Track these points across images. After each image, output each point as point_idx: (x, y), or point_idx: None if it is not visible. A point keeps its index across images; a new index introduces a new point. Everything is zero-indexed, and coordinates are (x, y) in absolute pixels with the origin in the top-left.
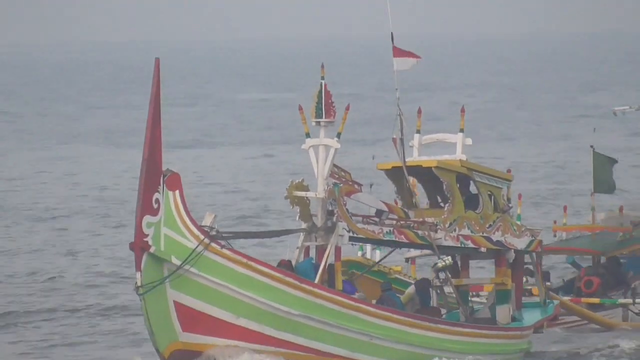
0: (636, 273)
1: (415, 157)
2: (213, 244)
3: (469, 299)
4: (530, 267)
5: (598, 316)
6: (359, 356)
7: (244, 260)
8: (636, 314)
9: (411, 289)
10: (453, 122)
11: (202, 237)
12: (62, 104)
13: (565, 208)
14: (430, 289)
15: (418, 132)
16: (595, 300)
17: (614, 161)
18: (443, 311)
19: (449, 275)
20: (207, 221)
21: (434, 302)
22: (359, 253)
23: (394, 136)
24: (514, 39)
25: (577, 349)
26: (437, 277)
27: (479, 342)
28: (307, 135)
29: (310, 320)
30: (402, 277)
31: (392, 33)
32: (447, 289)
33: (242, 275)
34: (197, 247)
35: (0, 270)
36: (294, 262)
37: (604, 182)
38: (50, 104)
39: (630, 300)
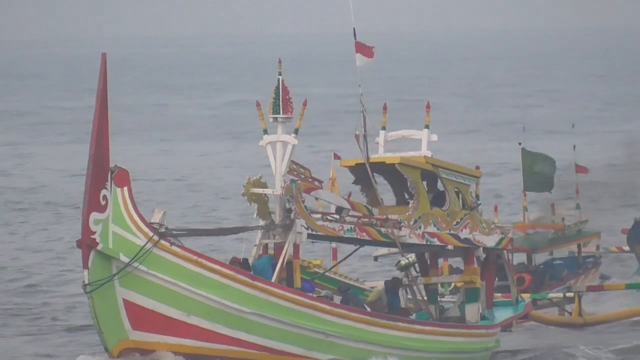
0: (571, 272)
1: (380, 154)
2: (162, 241)
3: (438, 298)
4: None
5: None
6: (314, 354)
7: (195, 257)
8: (570, 312)
9: (380, 287)
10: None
11: (151, 234)
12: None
13: (495, 207)
14: (400, 289)
15: (383, 128)
16: (527, 295)
17: (549, 159)
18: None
19: (414, 274)
20: (156, 218)
21: (404, 302)
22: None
23: (357, 132)
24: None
25: (544, 346)
26: (406, 275)
27: (440, 340)
28: (265, 132)
29: (264, 318)
30: (333, 275)
31: (354, 29)
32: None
33: (192, 273)
34: (145, 244)
35: None
36: (251, 260)
37: (535, 180)
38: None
39: (561, 295)
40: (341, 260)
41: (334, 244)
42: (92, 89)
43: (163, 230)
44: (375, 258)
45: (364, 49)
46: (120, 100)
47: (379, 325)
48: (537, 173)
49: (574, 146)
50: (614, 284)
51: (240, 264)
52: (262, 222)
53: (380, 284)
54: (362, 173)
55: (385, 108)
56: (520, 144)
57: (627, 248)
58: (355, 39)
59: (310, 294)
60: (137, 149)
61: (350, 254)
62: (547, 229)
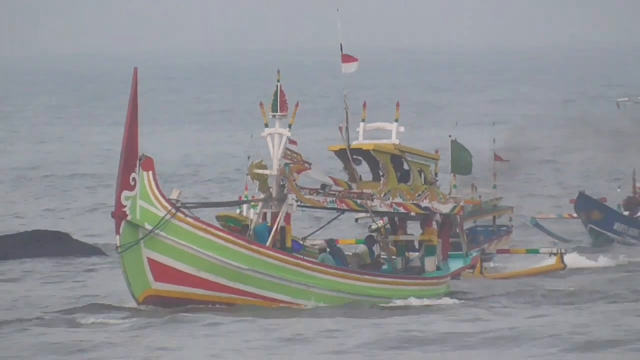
0: (486, 237)
1: (359, 141)
2: (179, 213)
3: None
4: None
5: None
6: (298, 301)
7: (204, 226)
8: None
9: (363, 247)
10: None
11: (169, 207)
12: None
13: None
14: (375, 245)
15: (363, 121)
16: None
17: (467, 150)
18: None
19: (384, 234)
20: (174, 195)
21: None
22: (237, 211)
23: (340, 125)
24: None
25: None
26: (379, 234)
27: (399, 289)
28: (266, 125)
29: (258, 273)
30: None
31: (341, 44)
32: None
33: (202, 238)
34: (165, 215)
35: None
36: (252, 226)
37: (459, 165)
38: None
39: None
40: (324, 225)
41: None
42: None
43: (179, 205)
44: (356, 220)
45: (349, 59)
46: None
47: (349, 278)
48: (461, 159)
49: (494, 140)
50: (518, 249)
51: (239, 230)
52: (262, 196)
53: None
54: (344, 156)
55: (364, 105)
56: (450, 136)
57: (575, 215)
58: (342, 52)
59: (297, 252)
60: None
61: (332, 220)
62: (467, 203)
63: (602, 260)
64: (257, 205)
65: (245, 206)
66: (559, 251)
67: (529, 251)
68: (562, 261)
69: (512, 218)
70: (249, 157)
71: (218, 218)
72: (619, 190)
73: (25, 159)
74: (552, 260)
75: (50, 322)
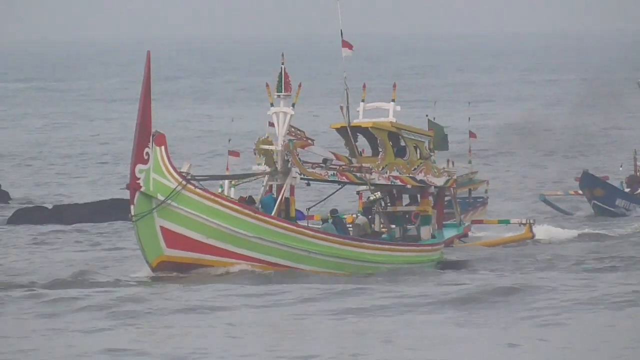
0: (463, 209)
1: (359, 120)
2: (189, 185)
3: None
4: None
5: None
6: (300, 266)
7: (212, 196)
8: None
9: (363, 217)
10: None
11: (180, 179)
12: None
13: None
14: (375, 215)
15: (363, 101)
16: None
17: (444, 130)
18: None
19: (382, 204)
20: (185, 168)
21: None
22: (219, 190)
23: (341, 105)
24: None
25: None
26: (378, 205)
27: (395, 255)
28: (272, 104)
29: (262, 240)
30: None
31: (341, 30)
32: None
33: (210, 208)
34: (176, 187)
35: None
36: (259, 197)
37: (437, 142)
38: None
39: None
40: (327, 197)
41: None
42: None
43: (189, 177)
44: (357, 192)
45: (348, 45)
46: None
47: (348, 245)
48: (438, 137)
49: (469, 118)
50: (491, 220)
51: (245, 201)
52: (268, 170)
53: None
54: (345, 133)
55: (364, 87)
56: (427, 115)
57: (580, 192)
58: (342, 39)
59: (300, 221)
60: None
61: (335, 192)
62: None
63: (569, 232)
64: (236, 185)
65: (226, 185)
66: (528, 221)
67: (500, 222)
68: (531, 230)
69: (487, 190)
70: (229, 140)
71: None
72: (621, 168)
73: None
74: (522, 230)
75: None
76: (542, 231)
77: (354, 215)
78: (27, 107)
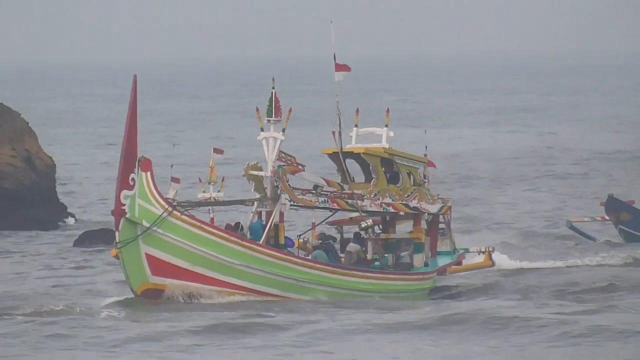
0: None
1: (352, 145)
2: (175, 212)
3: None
4: None
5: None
6: (289, 294)
7: (198, 224)
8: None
9: (356, 245)
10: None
11: (166, 206)
12: None
13: None
14: (368, 243)
15: (356, 126)
16: None
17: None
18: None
19: (374, 232)
20: (171, 194)
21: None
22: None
23: (333, 130)
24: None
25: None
26: (368, 233)
27: (386, 284)
28: (262, 129)
29: (250, 268)
30: None
31: (334, 54)
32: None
33: (196, 235)
34: (162, 213)
35: None
36: (248, 224)
37: None
38: None
39: None
40: (319, 224)
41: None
42: None
43: (175, 203)
44: (351, 218)
45: (342, 68)
46: None
47: (336, 273)
48: None
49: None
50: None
51: (232, 228)
52: (257, 196)
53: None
54: (337, 159)
55: (357, 111)
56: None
57: (607, 217)
58: (335, 62)
59: (290, 248)
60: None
61: (325, 220)
62: None
63: (531, 263)
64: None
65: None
66: (487, 249)
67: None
68: (491, 259)
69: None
70: (171, 165)
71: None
72: None
73: None
74: (481, 258)
75: None
76: (502, 260)
77: (303, 239)
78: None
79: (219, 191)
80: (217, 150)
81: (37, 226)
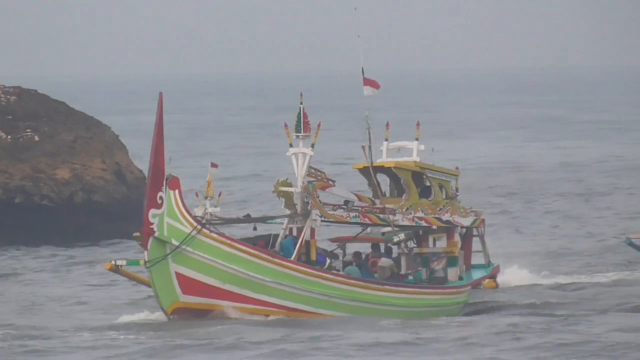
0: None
1: (383, 159)
2: (204, 230)
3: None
4: None
5: None
6: (320, 311)
7: (228, 241)
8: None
9: (389, 259)
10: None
11: (195, 224)
12: None
13: None
14: (401, 256)
15: (386, 140)
16: None
17: None
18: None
19: (406, 247)
20: (199, 212)
21: (403, 266)
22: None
23: (363, 144)
24: None
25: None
26: (404, 247)
27: (419, 298)
28: (290, 145)
29: (281, 285)
30: None
31: (362, 68)
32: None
33: (227, 253)
34: (191, 232)
35: None
36: (279, 240)
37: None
38: None
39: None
40: (352, 239)
41: None
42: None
43: (204, 221)
44: (383, 233)
45: (371, 83)
46: None
47: (369, 288)
48: None
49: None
50: None
51: (263, 245)
52: (288, 212)
53: None
54: (368, 174)
55: (387, 125)
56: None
57: None
58: (364, 76)
59: (322, 264)
60: None
61: (358, 234)
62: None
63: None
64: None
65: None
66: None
67: None
68: (495, 280)
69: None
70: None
71: (135, 237)
72: None
73: None
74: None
75: None
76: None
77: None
78: None
79: (215, 206)
80: (213, 165)
81: (128, 239)
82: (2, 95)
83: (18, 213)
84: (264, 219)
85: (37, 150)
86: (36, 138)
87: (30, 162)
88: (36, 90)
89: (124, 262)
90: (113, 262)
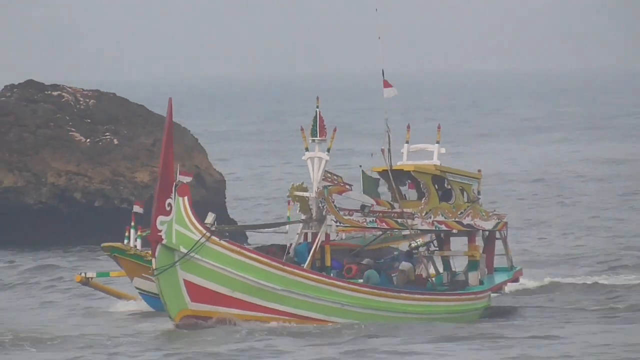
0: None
1: (403, 162)
2: (213, 237)
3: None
4: None
5: None
6: (333, 319)
7: (238, 249)
8: None
9: (408, 264)
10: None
11: (204, 231)
12: None
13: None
14: (424, 261)
15: (407, 142)
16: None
17: (377, 180)
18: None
19: (428, 250)
20: (208, 220)
21: (424, 269)
22: (125, 241)
23: (382, 147)
24: None
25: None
26: (421, 251)
27: (436, 305)
28: (306, 149)
29: (292, 293)
30: None
31: (382, 70)
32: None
33: (236, 260)
34: (200, 239)
35: None
36: (294, 246)
37: (370, 194)
38: None
39: None
40: (368, 244)
41: None
42: None
43: (213, 229)
44: (410, 245)
45: (390, 84)
46: None
47: (383, 296)
48: (370, 188)
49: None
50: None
51: (274, 253)
52: (303, 217)
53: None
54: (387, 177)
55: (408, 127)
56: (360, 166)
57: None
58: (384, 78)
59: (337, 270)
60: None
61: (376, 238)
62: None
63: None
64: (142, 235)
65: (132, 236)
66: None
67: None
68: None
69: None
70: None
71: (103, 248)
72: None
73: None
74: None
75: None
76: None
77: None
78: None
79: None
80: (184, 173)
81: None
82: (81, 99)
83: (98, 216)
84: (276, 225)
85: (116, 153)
86: (115, 141)
87: (109, 166)
88: (115, 94)
89: (94, 274)
90: (83, 275)
